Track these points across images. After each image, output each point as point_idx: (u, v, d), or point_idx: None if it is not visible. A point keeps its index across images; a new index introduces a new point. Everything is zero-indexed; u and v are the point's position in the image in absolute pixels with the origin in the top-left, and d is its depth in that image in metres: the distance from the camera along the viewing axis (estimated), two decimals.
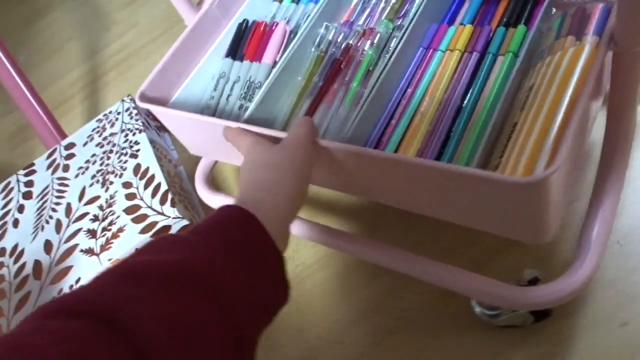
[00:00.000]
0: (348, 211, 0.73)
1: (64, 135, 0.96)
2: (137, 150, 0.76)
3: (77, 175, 0.78)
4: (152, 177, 0.71)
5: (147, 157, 0.74)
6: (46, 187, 0.79)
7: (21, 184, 0.82)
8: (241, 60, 0.67)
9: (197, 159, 0.80)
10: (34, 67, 1.34)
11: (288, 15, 0.69)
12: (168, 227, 0.65)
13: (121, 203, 0.70)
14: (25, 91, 0.97)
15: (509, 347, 0.55)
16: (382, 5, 0.64)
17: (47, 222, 0.73)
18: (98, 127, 0.84)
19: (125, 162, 0.75)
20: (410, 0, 0.62)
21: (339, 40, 0.62)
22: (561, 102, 0.44)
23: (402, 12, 0.62)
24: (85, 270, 0.65)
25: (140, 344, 0.28)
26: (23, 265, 0.70)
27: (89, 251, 0.67)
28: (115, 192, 0.72)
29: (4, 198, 0.81)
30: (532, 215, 0.43)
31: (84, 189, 0.75)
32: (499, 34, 0.55)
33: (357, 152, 0.47)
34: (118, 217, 0.68)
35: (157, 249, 0.35)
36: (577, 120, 0.41)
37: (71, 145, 0.83)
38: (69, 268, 0.66)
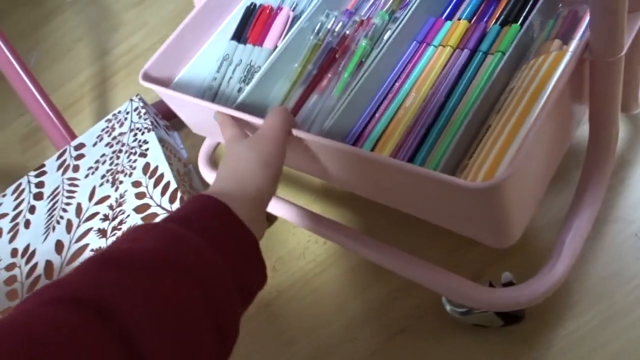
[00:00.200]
0: (361, 207, 0.73)
1: (73, 136, 0.96)
2: (146, 150, 0.76)
3: (87, 176, 0.78)
4: (162, 176, 0.71)
5: (156, 156, 0.74)
6: (57, 188, 0.79)
7: (32, 185, 0.82)
8: (245, 43, 0.66)
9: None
10: (44, 69, 1.35)
11: (296, 0, 0.68)
12: None
13: (131, 202, 0.70)
14: (35, 93, 0.98)
15: (525, 346, 0.54)
16: None
17: (58, 223, 0.74)
18: (107, 127, 0.84)
19: (135, 161, 0.75)
20: None
21: (337, 29, 0.61)
22: (534, 107, 0.43)
23: (405, 3, 0.60)
24: None
25: (125, 332, 0.28)
26: (35, 266, 0.70)
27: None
28: (125, 191, 0.72)
29: (15, 199, 0.81)
30: (490, 219, 0.41)
31: (94, 188, 0.75)
32: (492, 32, 0.53)
33: (326, 145, 0.47)
34: (128, 216, 0.68)
35: (138, 236, 0.36)
36: (538, 126, 0.39)
37: (81, 146, 0.83)
38: None
